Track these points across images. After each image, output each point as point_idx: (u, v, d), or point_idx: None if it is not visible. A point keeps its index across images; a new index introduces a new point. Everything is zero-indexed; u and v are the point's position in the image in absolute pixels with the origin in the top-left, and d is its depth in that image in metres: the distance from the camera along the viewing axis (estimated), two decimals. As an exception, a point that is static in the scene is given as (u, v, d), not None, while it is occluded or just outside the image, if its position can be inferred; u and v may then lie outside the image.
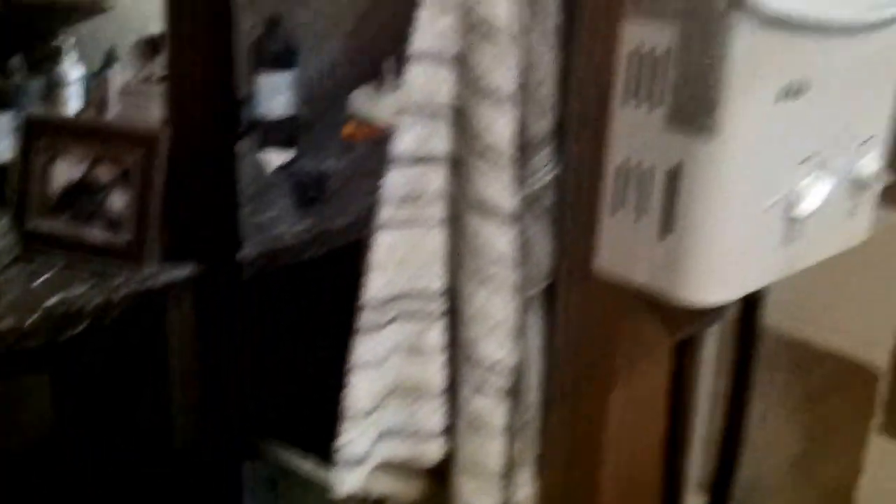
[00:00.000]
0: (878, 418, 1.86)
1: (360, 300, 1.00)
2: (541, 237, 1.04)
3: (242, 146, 1.63)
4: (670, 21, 0.84)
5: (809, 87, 0.88)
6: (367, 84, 1.95)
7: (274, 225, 1.48)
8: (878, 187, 1.03)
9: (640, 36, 0.87)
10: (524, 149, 1.02)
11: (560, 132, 1.01)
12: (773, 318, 1.92)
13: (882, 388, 1.85)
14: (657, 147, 0.88)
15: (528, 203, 1.03)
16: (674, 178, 0.87)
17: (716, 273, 0.89)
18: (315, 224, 1.49)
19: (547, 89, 1.00)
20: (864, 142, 0.98)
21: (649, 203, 0.89)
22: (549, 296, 1.05)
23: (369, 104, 1.90)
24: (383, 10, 1.96)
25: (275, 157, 1.64)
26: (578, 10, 0.94)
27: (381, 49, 1.88)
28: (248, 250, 1.40)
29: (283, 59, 1.69)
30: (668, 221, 0.88)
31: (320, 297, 1.57)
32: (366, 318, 1.00)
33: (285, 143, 1.70)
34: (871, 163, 0.98)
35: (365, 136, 1.82)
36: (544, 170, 1.02)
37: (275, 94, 1.68)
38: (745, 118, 0.84)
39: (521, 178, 1.02)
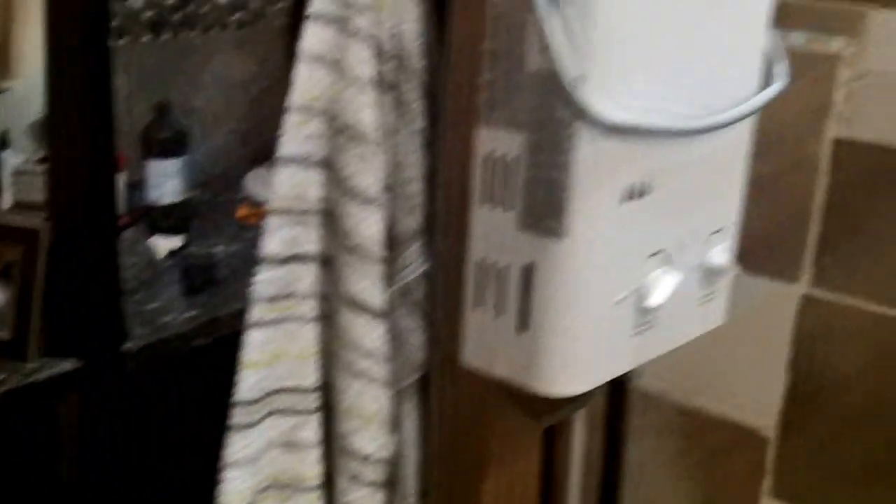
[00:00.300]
0: (767, 482, 1.92)
1: (233, 398, 1.01)
2: (413, 329, 1.07)
3: (132, 233, 1.64)
4: (519, 129, 0.89)
5: (653, 187, 0.93)
6: (261, 166, 1.97)
7: (161, 314, 1.49)
8: (730, 275, 1.08)
9: (493, 142, 0.91)
10: (394, 244, 1.05)
11: (428, 229, 1.05)
12: (663, 386, 1.98)
13: (771, 453, 1.92)
14: (512, 247, 0.92)
15: (401, 296, 1.06)
16: (527, 276, 0.91)
17: (571, 366, 0.93)
18: (203, 312, 1.50)
19: (415, 187, 1.04)
20: (713, 234, 1.03)
21: (507, 300, 0.93)
22: (423, 387, 1.08)
23: (263, 186, 1.92)
24: (276, 92, 1.99)
25: (165, 244, 1.65)
26: (441, 115, 0.99)
27: (274, 131, 1.91)
28: (134, 341, 1.40)
29: (173, 145, 1.71)
30: (524, 318, 0.92)
31: (209, 385, 1.57)
32: (238, 415, 1.01)
33: (176, 228, 1.71)
34: (720, 254, 1.03)
35: (259, 218, 1.84)
36: (414, 264, 1.06)
37: (165, 180, 1.70)
38: (592, 219, 0.89)
39: (392, 272, 1.05)
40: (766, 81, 1.05)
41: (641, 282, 0.96)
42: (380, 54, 0.98)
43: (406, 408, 1.10)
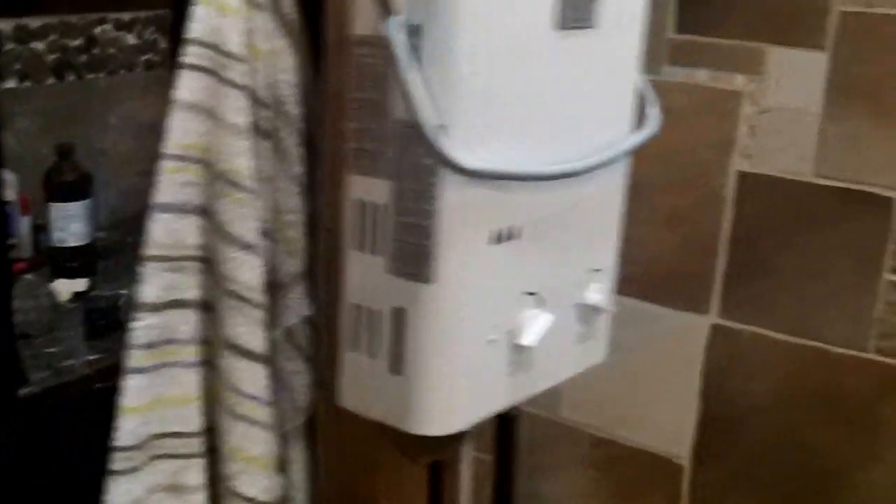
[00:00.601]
0: (683, 510, 1.95)
1: (113, 443, 1.01)
2: (297, 373, 1.08)
3: (34, 276, 1.62)
4: (385, 177, 0.91)
5: (522, 231, 0.95)
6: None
7: (63, 358, 1.47)
8: (609, 313, 1.11)
9: (363, 189, 0.93)
10: (277, 288, 1.06)
11: (309, 273, 1.06)
12: (578, 418, 2.01)
13: (686, 482, 1.94)
14: (383, 291, 0.93)
15: (284, 339, 1.07)
16: (399, 320, 0.93)
17: (445, 406, 0.95)
18: (106, 355, 1.48)
19: (295, 232, 1.06)
20: (589, 273, 1.06)
21: (380, 343, 0.95)
22: (310, 429, 1.09)
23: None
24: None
25: (68, 287, 1.64)
26: (318, 161, 1.01)
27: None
28: (33, 386, 1.39)
29: (76, 188, 1.69)
30: (397, 360, 0.94)
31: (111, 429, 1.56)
32: (119, 460, 1.01)
33: (81, 271, 1.69)
34: (595, 293, 1.06)
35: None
36: (297, 308, 1.07)
37: (69, 223, 1.68)
38: (459, 264, 0.91)
39: (275, 316, 1.06)
40: (640, 125, 1.08)
41: (514, 323, 0.98)
42: (255, 102, 0.99)
43: (293, 450, 1.10)
